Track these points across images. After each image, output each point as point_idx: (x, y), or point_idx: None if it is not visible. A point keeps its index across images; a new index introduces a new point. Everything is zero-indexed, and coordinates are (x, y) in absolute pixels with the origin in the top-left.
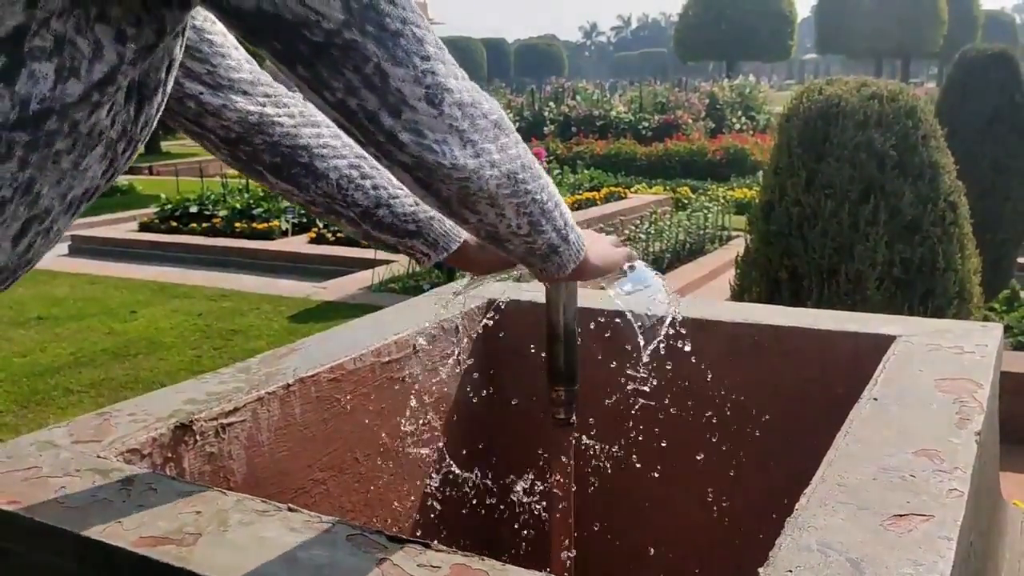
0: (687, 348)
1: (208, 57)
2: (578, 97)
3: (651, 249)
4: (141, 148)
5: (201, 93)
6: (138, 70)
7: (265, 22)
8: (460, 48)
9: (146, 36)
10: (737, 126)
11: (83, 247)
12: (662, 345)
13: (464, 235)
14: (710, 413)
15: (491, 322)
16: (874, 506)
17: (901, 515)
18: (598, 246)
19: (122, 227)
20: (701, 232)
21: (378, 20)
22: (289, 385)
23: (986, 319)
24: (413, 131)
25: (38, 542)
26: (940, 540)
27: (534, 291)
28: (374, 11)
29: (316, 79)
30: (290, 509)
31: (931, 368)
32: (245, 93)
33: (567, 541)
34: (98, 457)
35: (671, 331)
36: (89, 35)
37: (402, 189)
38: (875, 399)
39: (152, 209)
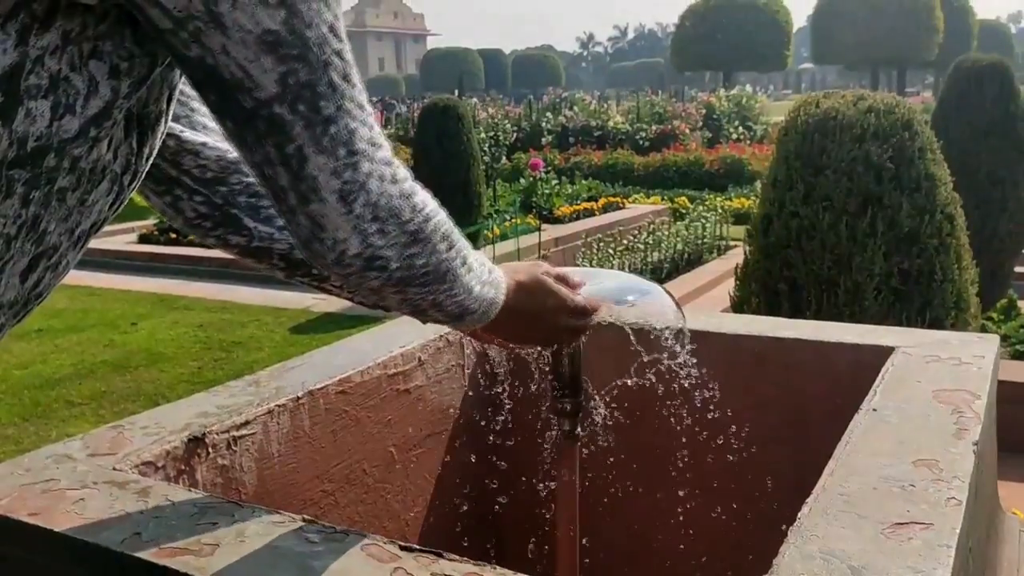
0: (689, 359)
1: (187, 100)
2: (575, 108)
3: (649, 259)
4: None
5: (182, 131)
6: (134, 103)
7: (204, 74)
8: (458, 59)
9: (139, 69)
10: (734, 136)
11: (83, 259)
12: (665, 356)
13: None
14: (712, 423)
15: None
16: (874, 515)
17: (901, 523)
18: (540, 324)
19: (121, 239)
20: (699, 242)
21: (312, 101)
22: (299, 398)
23: (984, 329)
24: (314, 222)
25: (59, 554)
26: (939, 548)
27: None
28: (310, 92)
29: (241, 139)
30: (304, 520)
31: (929, 379)
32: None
33: (573, 550)
34: (114, 470)
35: (671, 341)
36: (84, 71)
37: None
38: (874, 410)
39: (151, 221)
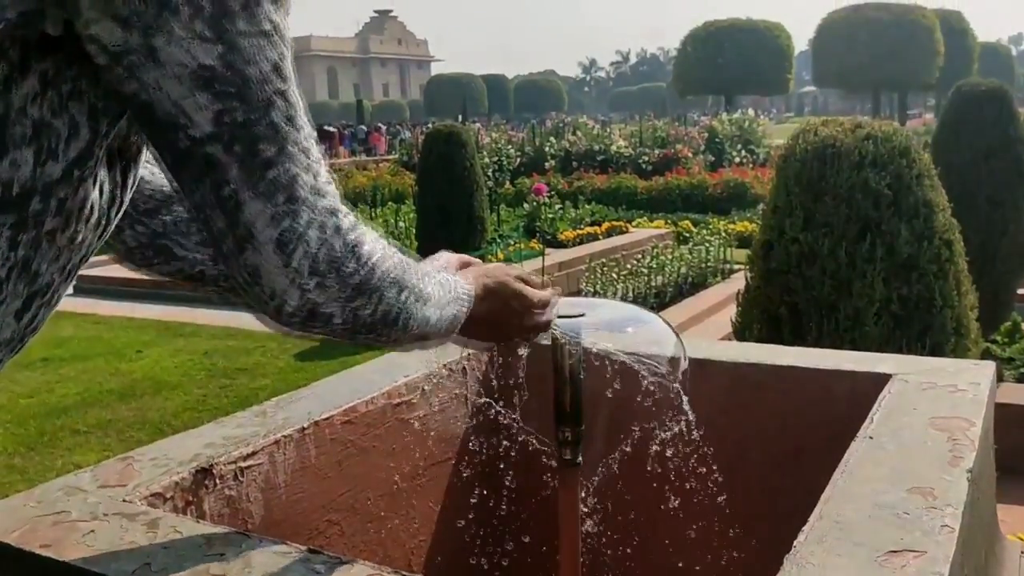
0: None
1: None
2: (578, 132)
3: (653, 283)
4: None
5: None
6: (114, 138)
7: (140, 111)
8: (461, 84)
9: (115, 106)
10: (737, 160)
11: (87, 286)
12: (664, 385)
13: None
14: (711, 451)
15: (497, 362)
16: (869, 543)
17: (895, 551)
18: (505, 325)
19: (126, 266)
20: (703, 266)
21: (249, 143)
22: (304, 428)
23: (988, 351)
24: (250, 271)
25: None
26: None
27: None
28: (247, 132)
29: (179, 178)
30: (311, 551)
31: (925, 406)
32: None
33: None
34: (124, 501)
35: (671, 371)
36: (64, 115)
37: None
38: (870, 437)
39: None
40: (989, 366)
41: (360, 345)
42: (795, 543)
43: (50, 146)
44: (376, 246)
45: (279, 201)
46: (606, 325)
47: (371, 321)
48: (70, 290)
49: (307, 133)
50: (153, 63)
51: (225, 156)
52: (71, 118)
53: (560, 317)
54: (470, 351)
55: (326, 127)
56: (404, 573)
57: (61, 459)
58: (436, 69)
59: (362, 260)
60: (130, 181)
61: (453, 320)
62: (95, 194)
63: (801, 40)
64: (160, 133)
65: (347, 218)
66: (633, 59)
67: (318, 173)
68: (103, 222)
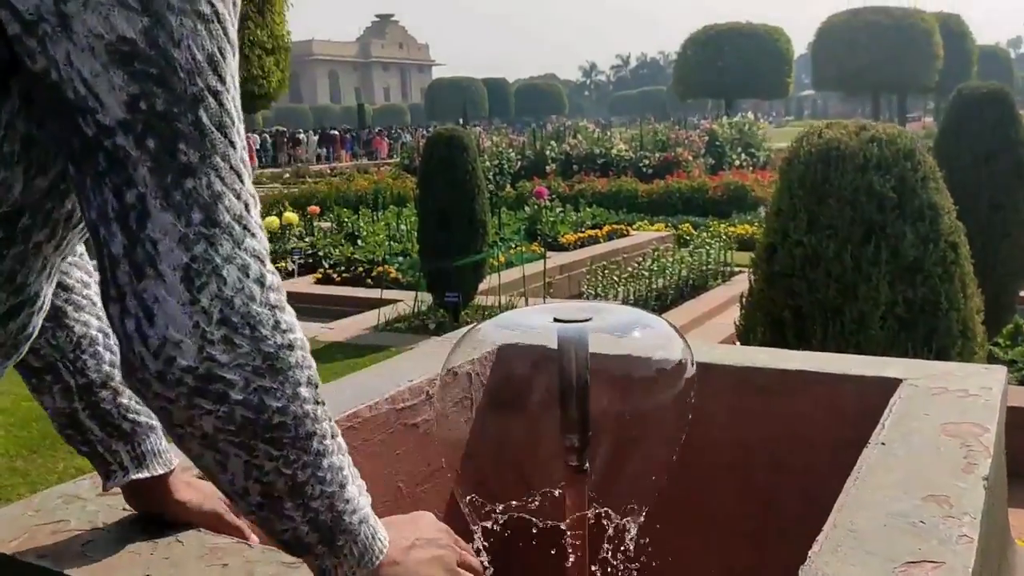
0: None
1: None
2: (579, 136)
3: (654, 286)
4: None
5: None
6: None
7: (50, 93)
8: (462, 88)
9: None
10: (737, 163)
11: None
12: (671, 389)
13: (176, 464)
14: (718, 457)
15: (502, 368)
16: (885, 552)
17: (913, 562)
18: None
19: None
20: (704, 268)
21: (167, 139)
22: None
23: (991, 355)
24: (145, 309)
25: None
26: None
27: (544, 339)
28: (166, 127)
29: (80, 185)
30: None
31: (937, 412)
32: None
33: None
34: (123, 509)
35: (677, 375)
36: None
37: None
38: (882, 444)
39: None
40: (1000, 370)
41: (252, 491)
42: (810, 553)
43: (39, 161)
44: (299, 330)
45: (195, 220)
46: (611, 329)
47: (278, 421)
48: (93, 287)
49: (240, 156)
50: (65, 33)
51: (136, 151)
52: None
53: (565, 322)
54: (474, 356)
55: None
56: None
57: (63, 462)
58: (437, 73)
59: (282, 327)
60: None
61: (372, 531)
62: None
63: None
64: (68, 122)
65: (274, 276)
66: (633, 63)
67: (249, 206)
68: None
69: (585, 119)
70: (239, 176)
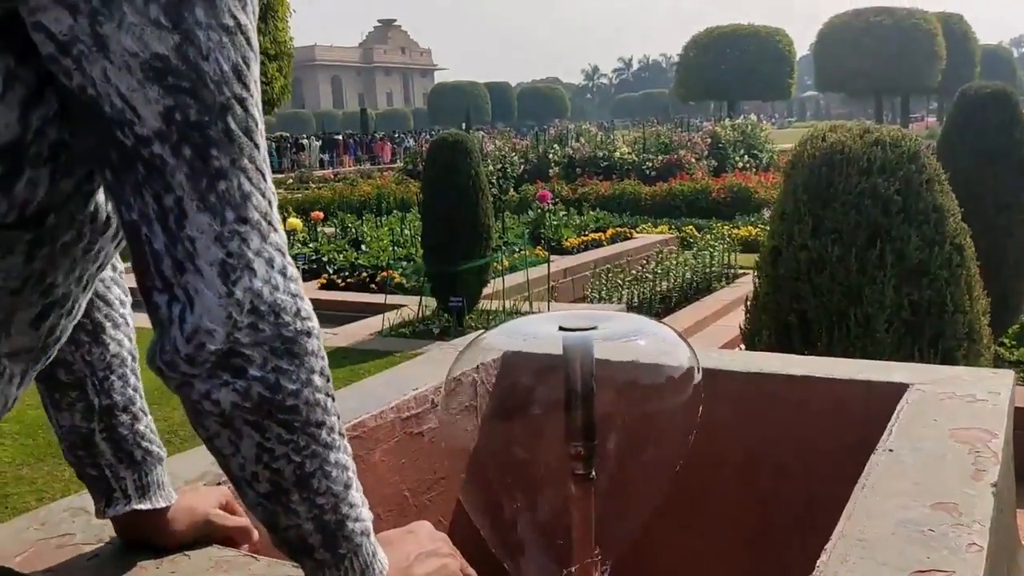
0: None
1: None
2: (582, 139)
3: (658, 288)
4: None
5: None
6: None
7: (84, 110)
8: (465, 92)
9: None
10: (740, 165)
11: None
12: (677, 396)
13: (174, 499)
14: (722, 460)
15: (507, 375)
16: (894, 561)
17: (922, 571)
18: None
19: (129, 275)
20: (707, 271)
21: (201, 147)
22: None
23: (996, 355)
24: (188, 297)
25: None
26: None
27: (550, 346)
28: (200, 135)
29: (118, 190)
30: None
31: (944, 417)
32: None
33: None
34: None
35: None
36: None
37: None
38: (890, 450)
39: None
40: (1008, 375)
41: (261, 473)
42: (818, 563)
43: (65, 164)
44: (316, 319)
45: (229, 219)
46: (617, 337)
47: (291, 404)
48: (128, 307)
49: (264, 157)
50: (101, 52)
51: (172, 158)
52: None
53: (570, 330)
54: (479, 364)
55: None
56: None
57: (68, 470)
58: (440, 77)
59: (302, 314)
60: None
61: (374, 549)
62: (107, 204)
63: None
64: (106, 134)
65: (293, 267)
66: (635, 65)
67: (272, 203)
68: (119, 232)
69: (588, 122)
70: (263, 175)
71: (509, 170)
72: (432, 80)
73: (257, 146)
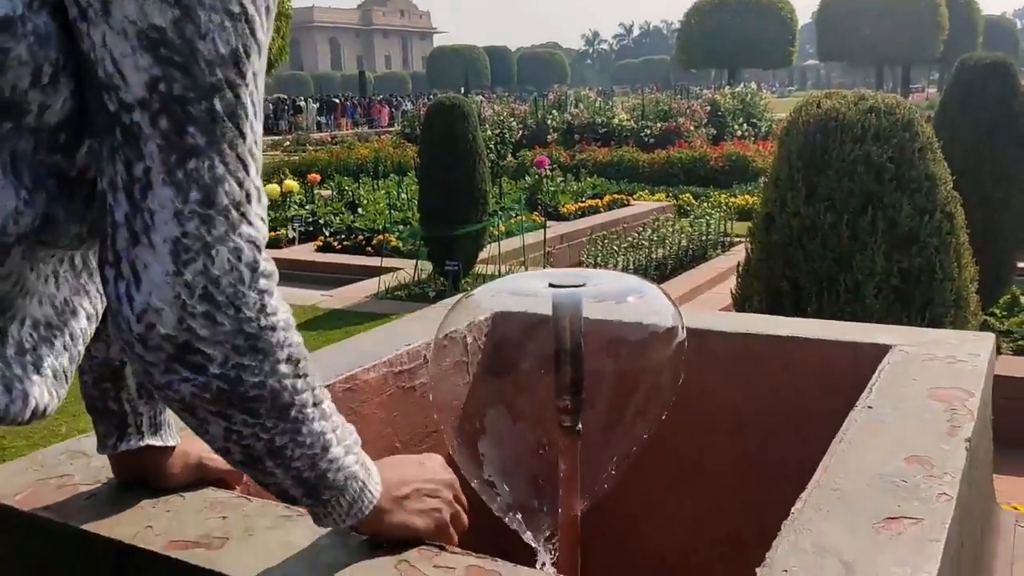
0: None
1: None
2: (581, 105)
3: (654, 256)
4: None
5: None
6: None
7: (88, 72)
8: (464, 57)
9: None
10: (739, 133)
11: None
12: (663, 354)
13: (180, 441)
14: (711, 421)
15: (498, 332)
16: (866, 510)
17: (892, 518)
18: (400, 515)
19: None
20: (703, 239)
21: (179, 121)
22: None
23: (986, 325)
24: (135, 272)
25: (73, 547)
26: (929, 543)
27: (540, 305)
28: (180, 109)
29: (99, 155)
30: None
31: (925, 377)
32: None
33: (575, 544)
34: None
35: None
36: None
37: None
38: (869, 407)
39: None
40: (989, 337)
41: (234, 450)
42: (793, 510)
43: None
44: (285, 311)
45: (192, 198)
46: (606, 295)
47: (254, 395)
48: None
49: (251, 150)
50: (104, 17)
51: (149, 128)
52: None
53: (560, 287)
54: (470, 321)
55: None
56: None
57: (65, 424)
58: (439, 41)
59: (267, 310)
60: None
61: (361, 485)
62: None
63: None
64: (96, 99)
65: (268, 264)
66: (636, 31)
67: (251, 196)
68: None
69: (587, 88)
70: (244, 165)
71: (507, 135)
72: (431, 43)
73: (243, 135)
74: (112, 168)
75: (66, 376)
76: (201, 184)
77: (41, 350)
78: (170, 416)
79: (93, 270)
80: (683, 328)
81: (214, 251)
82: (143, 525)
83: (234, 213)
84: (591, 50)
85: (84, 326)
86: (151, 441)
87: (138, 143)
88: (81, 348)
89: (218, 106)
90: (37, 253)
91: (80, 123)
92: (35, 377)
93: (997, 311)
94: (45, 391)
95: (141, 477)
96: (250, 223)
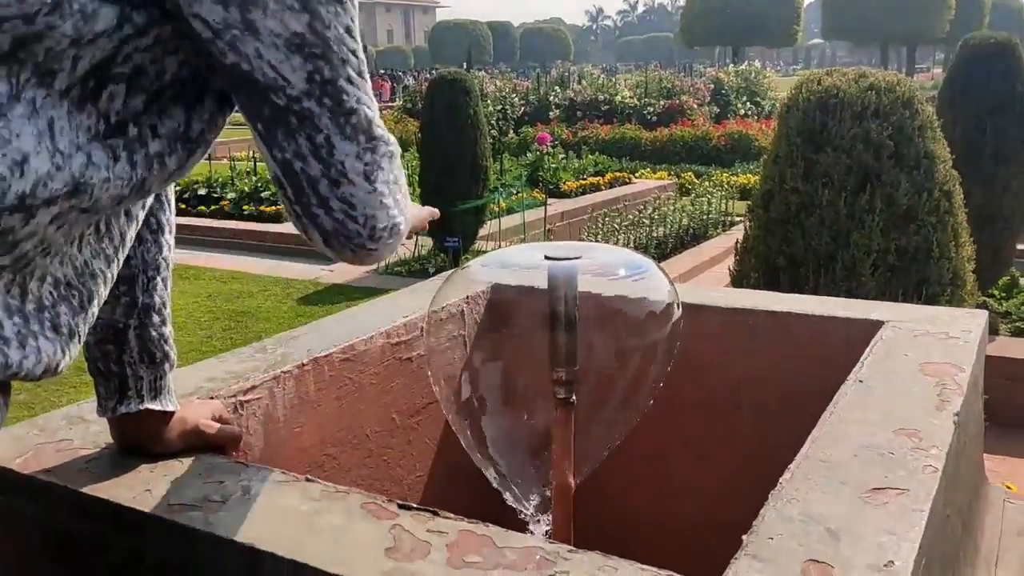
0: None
1: None
2: (583, 81)
3: (655, 234)
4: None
5: None
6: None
7: (240, 79)
8: (467, 31)
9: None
10: (742, 111)
11: None
12: (659, 329)
13: (179, 408)
14: (706, 395)
15: (495, 305)
16: (853, 480)
17: (878, 488)
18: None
19: None
20: (704, 218)
21: (335, 96)
22: (304, 365)
23: (984, 306)
24: (346, 202)
25: (73, 509)
26: (914, 512)
27: (535, 278)
28: (333, 88)
29: (271, 138)
30: (307, 480)
31: (916, 352)
32: None
33: (568, 514)
34: None
35: (665, 315)
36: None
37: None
38: (860, 381)
39: None
40: (981, 315)
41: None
42: (780, 480)
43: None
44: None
45: (361, 141)
46: (601, 269)
47: (407, 218)
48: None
49: (368, 84)
50: (251, 35)
51: (318, 108)
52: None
53: (556, 259)
54: (466, 293)
55: None
56: (397, 502)
57: (67, 396)
58: (441, 15)
59: (400, 167)
60: (219, 122)
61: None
62: (197, 125)
63: None
64: (259, 97)
65: (395, 142)
66: (640, 8)
67: (377, 113)
68: (188, 153)
69: (590, 65)
70: (372, 99)
71: (509, 111)
72: (433, 18)
73: (366, 80)
74: (294, 143)
75: (80, 337)
76: (362, 128)
77: (59, 308)
78: (170, 382)
79: (115, 235)
80: (679, 304)
81: (382, 163)
82: (142, 489)
83: (381, 134)
84: (594, 26)
85: (101, 290)
86: (150, 405)
87: (313, 120)
88: (95, 311)
89: (351, 71)
90: (69, 216)
91: (129, 85)
92: (51, 334)
93: (996, 292)
94: (59, 348)
95: (139, 442)
96: (384, 130)
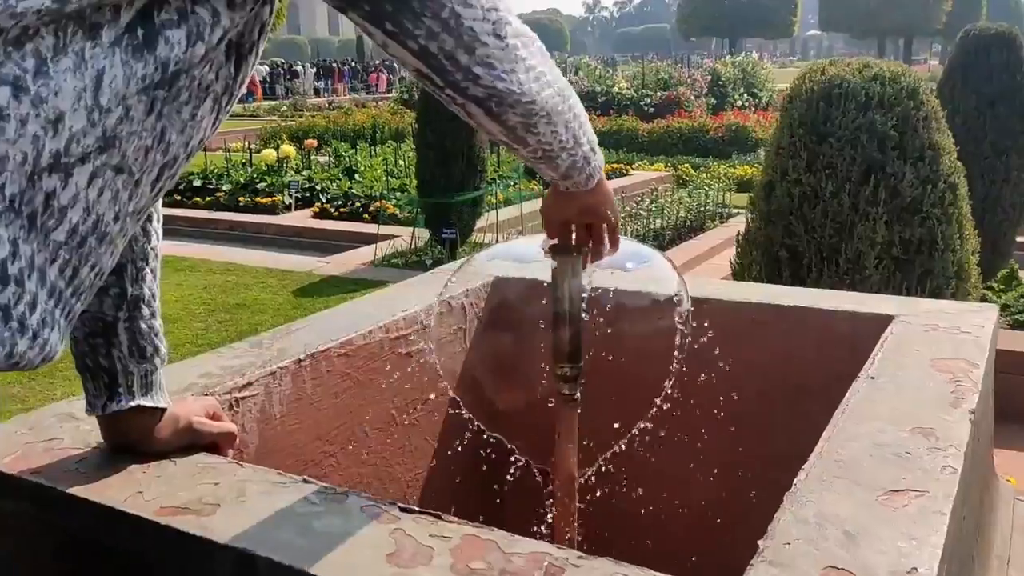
0: (690, 325)
1: None
2: (581, 73)
3: (652, 226)
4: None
5: None
6: (237, 32)
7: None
8: None
9: (250, 3)
10: (739, 103)
11: None
12: (665, 322)
13: (171, 404)
14: (711, 389)
15: (496, 300)
16: (869, 482)
17: (896, 491)
18: None
19: None
20: (702, 209)
21: None
22: (300, 360)
23: (984, 298)
24: (486, 64)
25: (62, 512)
26: (934, 515)
27: (538, 271)
28: None
29: (401, 31)
30: (305, 480)
31: (927, 348)
32: None
33: (571, 512)
34: None
35: (672, 308)
36: (207, 4)
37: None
38: (872, 378)
39: None
40: (992, 309)
41: (561, 132)
42: (795, 481)
43: (199, 30)
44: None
45: (483, 4)
46: (607, 262)
47: (564, 80)
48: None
49: None
50: None
51: None
52: (213, 7)
53: (561, 253)
54: (468, 287)
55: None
56: (399, 505)
57: (61, 389)
58: None
59: (529, 29)
60: (240, 75)
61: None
62: (211, 76)
63: None
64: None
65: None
66: None
67: None
68: (215, 107)
69: (587, 56)
70: None
71: None
72: None
73: None
74: (423, 26)
75: (72, 324)
76: None
77: (65, 295)
78: (161, 377)
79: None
80: (687, 296)
81: (507, 18)
82: (134, 490)
83: None
84: (591, 17)
85: (95, 280)
86: (142, 402)
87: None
88: (89, 298)
89: None
90: (105, 176)
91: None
92: (63, 323)
93: (995, 285)
94: (61, 338)
95: (131, 441)
96: None
